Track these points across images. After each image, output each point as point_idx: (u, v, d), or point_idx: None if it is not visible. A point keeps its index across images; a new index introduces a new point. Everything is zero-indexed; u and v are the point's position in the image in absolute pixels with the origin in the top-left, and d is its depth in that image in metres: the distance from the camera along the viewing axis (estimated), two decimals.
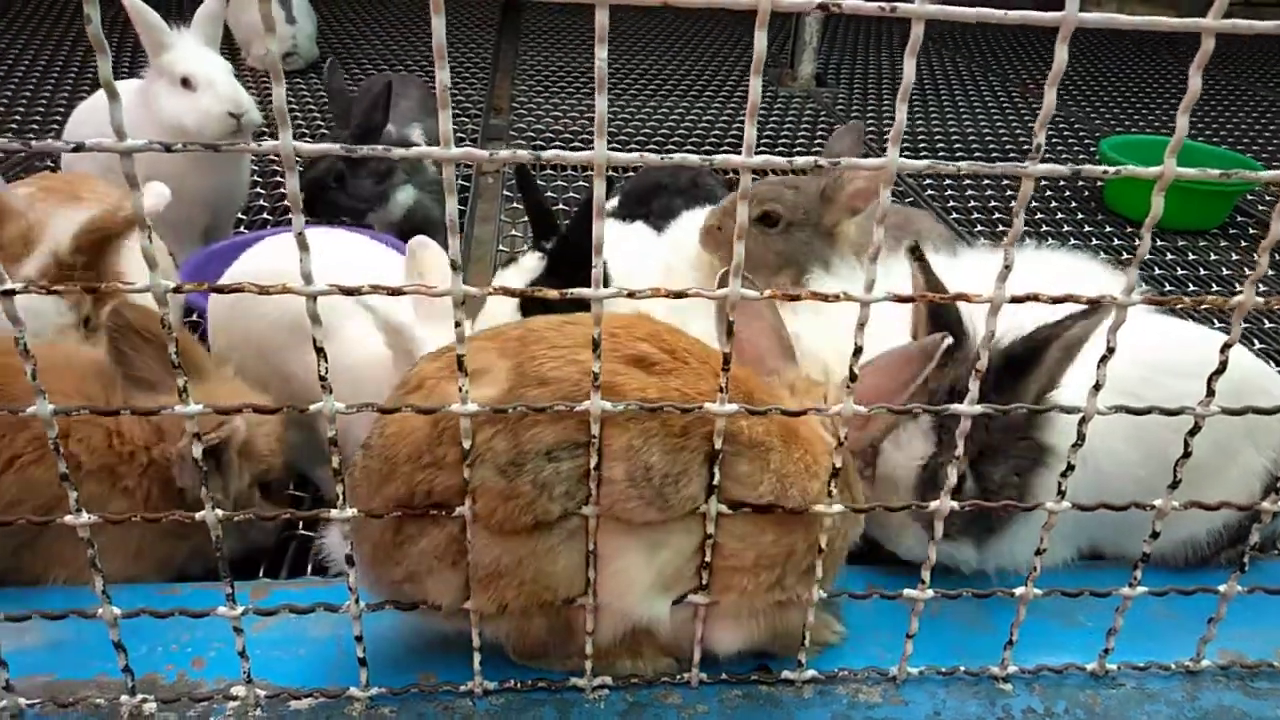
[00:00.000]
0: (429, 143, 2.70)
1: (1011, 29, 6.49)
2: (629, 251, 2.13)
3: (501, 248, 3.00)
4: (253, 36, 4.54)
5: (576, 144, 3.89)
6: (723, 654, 1.22)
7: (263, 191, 3.14)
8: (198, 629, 1.29)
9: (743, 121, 4.35)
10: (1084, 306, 1.06)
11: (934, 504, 1.11)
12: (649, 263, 2.12)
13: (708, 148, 3.93)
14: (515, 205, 3.29)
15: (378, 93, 2.44)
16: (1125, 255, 3.13)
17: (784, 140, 4.17)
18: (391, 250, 1.95)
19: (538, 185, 1.99)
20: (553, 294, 0.95)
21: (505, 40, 5.64)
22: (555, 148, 3.56)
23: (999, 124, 4.62)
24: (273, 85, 0.82)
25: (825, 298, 0.97)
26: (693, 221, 2.16)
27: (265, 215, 3.02)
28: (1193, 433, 1.10)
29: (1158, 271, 3.06)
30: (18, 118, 3.77)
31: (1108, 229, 3.39)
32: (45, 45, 4.81)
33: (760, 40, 0.81)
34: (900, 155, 0.86)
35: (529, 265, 1.85)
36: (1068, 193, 3.75)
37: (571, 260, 1.81)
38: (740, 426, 1.06)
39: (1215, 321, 2.58)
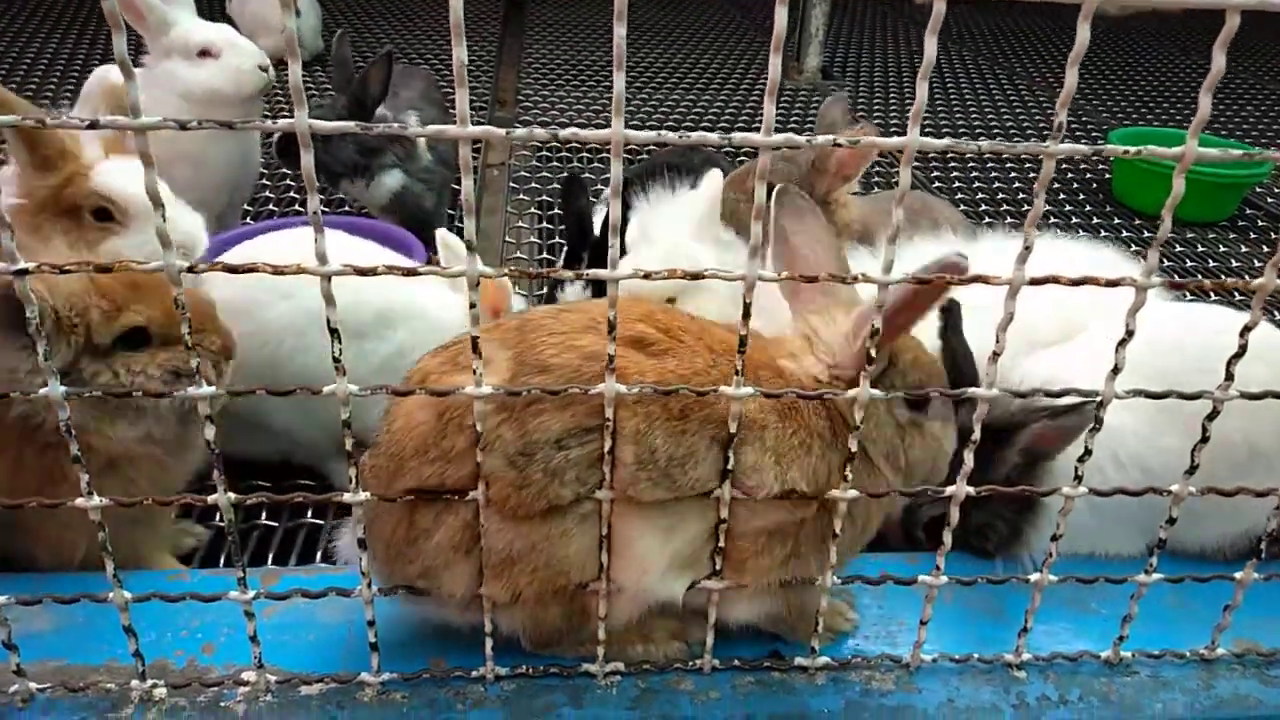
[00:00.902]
0: None
1: (1015, 17, 6.48)
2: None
3: (508, 239, 2.99)
4: (257, 29, 4.53)
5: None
6: (735, 622, 1.21)
7: (269, 181, 3.13)
8: (207, 614, 1.28)
9: (750, 111, 4.33)
10: (1067, 399, 1.09)
11: (950, 489, 1.10)
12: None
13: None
14: (522, 197, 3.28)
15: (377, 62, 2.42)
16: (1134, 247, 3.12)
17: (790, 131, 4.15)
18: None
19: (586, 195, 2.00)
20: (568, 274, 0.95)
21: (510, 33, 5.63)
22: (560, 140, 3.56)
23: (1004, 113, 4.62)
24: (289, 62, 0.81)
25: (843, 280, 0.96)
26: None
27: (271, 207, 3.02)
28: (1210, 417, 1.09)
29: (1167, 263, 3.05)
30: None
31: (1115, 220, 3.38)
32: (53, 31, 4.80)
33: (781, 16, 0.81)
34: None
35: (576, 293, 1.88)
36: (1075, 185, 3.73)
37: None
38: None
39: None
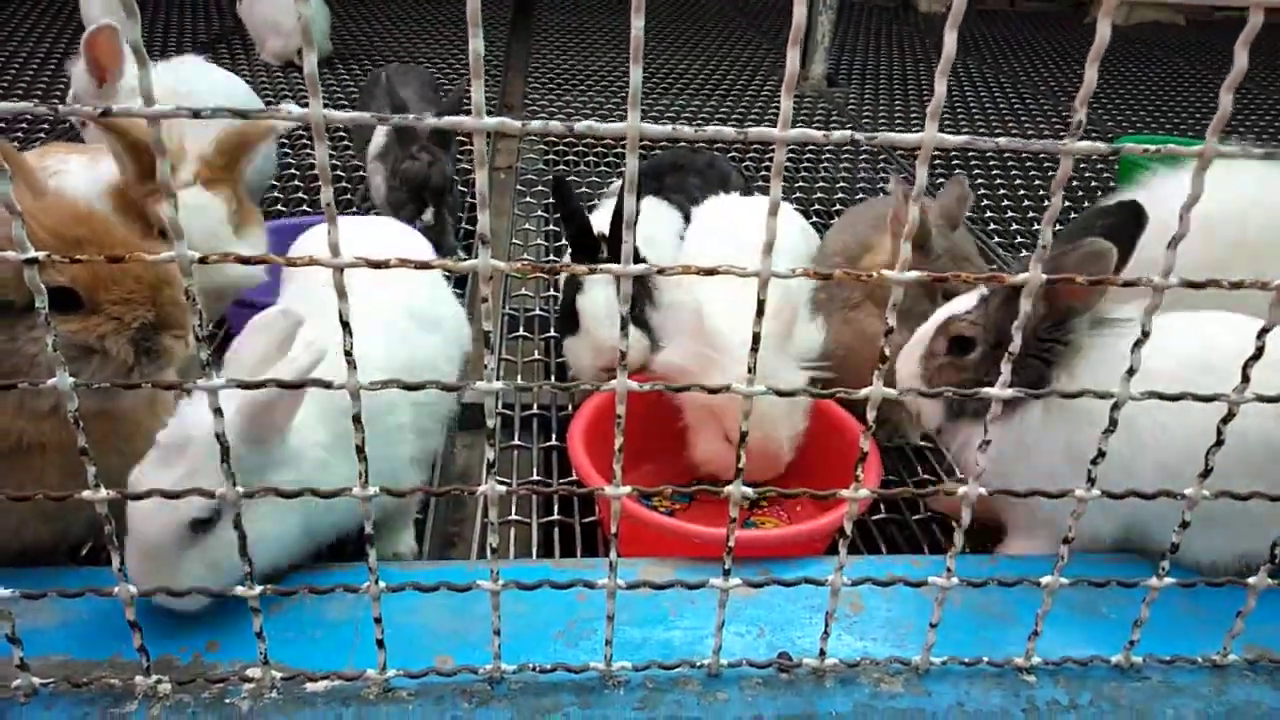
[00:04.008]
0: None
1: (1016, 25, 6.49)
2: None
3: (515, 240, 2.99)
4: (265, 32, 4.56)
5: (589, 139, 3.89)
6: None
7: (276, 182, 3.13)
8: (212, 610, 1.27)
9: (757, 116, 4.31)
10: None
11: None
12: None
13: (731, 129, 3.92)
14: (529, 199, 3.28)
15: (369, 86, 2.44)
16: None
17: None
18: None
19: (574, 194, 2.05)
20: (581, 269, 0.94)
21: (517, 39, 5.64)
22: (567, 144, 3.59)
23: (1008, 118, 4.63)
24: (304, 52, 0.81)
25: (858, 277, 0.95)
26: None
27: (280, 206, 3.02)
28: (1225, 420, 1.08)
29: None
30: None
31: None
32: (49, 28, 4.82)
33: (799, 11, 0.80)
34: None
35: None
36: (1080, 192, 3.73)
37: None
38: None
39: None
